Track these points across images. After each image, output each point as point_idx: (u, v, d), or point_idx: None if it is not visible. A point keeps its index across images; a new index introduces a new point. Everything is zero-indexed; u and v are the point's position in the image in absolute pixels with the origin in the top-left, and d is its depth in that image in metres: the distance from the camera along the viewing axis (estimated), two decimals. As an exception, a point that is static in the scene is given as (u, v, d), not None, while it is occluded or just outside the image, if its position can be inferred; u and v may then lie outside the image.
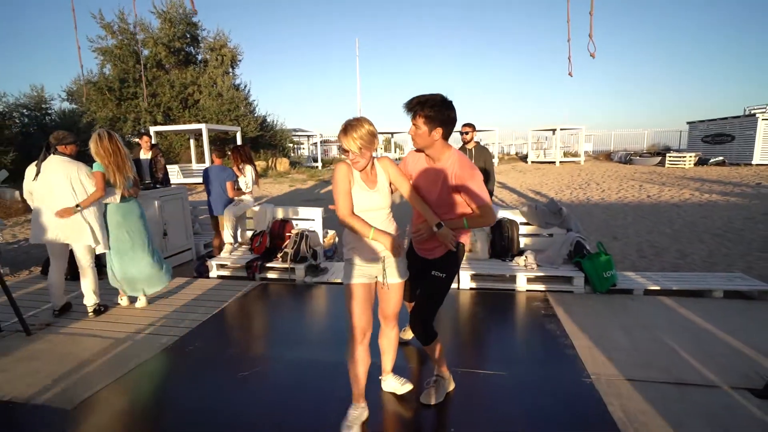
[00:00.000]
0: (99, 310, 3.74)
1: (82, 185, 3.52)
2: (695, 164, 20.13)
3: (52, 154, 3.55)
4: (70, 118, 22.34)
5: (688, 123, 25.14)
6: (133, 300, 4.00)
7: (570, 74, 2.89)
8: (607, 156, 26.58)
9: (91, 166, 3.59)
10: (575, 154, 26.95)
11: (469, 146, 4.88)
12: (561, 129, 24.74)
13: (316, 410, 2.31)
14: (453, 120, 2.05)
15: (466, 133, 4.86)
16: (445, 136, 2.08)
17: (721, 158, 20.16)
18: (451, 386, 2.43)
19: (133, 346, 3.11)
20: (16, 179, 13.85)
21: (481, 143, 5.29)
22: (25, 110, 22.54)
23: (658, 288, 3.93)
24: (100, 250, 3.68)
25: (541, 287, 4.10)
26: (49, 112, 23.28)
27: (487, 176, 4.91)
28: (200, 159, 18.06)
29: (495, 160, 24.56)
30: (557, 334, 3.14)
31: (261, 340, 3.33)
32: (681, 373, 2.54)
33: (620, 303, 3.72)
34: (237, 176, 5.37)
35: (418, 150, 2.21)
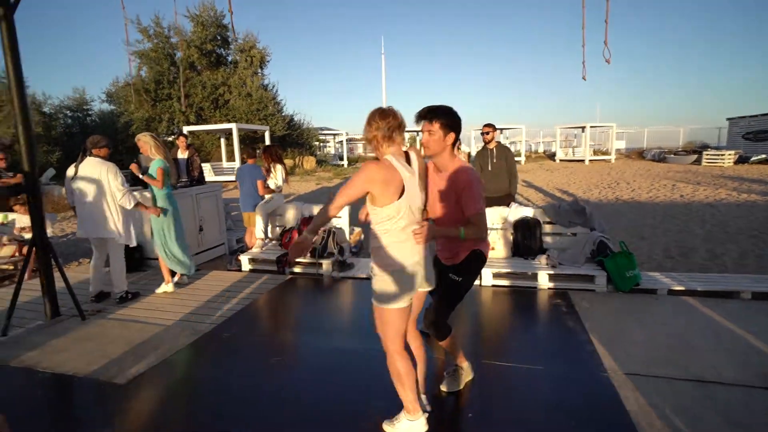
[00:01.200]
0: (125, 298, 4.09)
1: (109, 184, 3.89)
2: (735, 162, 19.30)
3: (88, 156, 3.90)
4: (109, 119, 23.51)
5: (728, 119, 24.11)
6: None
7: (584, 78, 2.94)
8: (640, 154, 25.79)
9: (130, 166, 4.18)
10: (606, 152, 26.28)
11: (490, 146, 4.96)
12: (591, 126, 24.20)
13: (342, 394, 2.48)
14: (460, 128, 2.17)
15: (487, 133, 4.94)
16: (454, 143, 2.18)
17: (763, 156, 19.24)
18: (470, 376, 2.55)
19: (175, 332, 3.38)
20: (62, 177, 14.68)
21: (504, 142, 5.36)
22: (68, 112, 23.85)
23: (682, 288, 3.92)
24: (123, 242, 4.06)
25: (563, 285, 4.15)
26: (90, 113, 24.57)
27: (509, 175, 4.98)
28: (230, 157, 18.67)
29: (521, 159, 24.28)
30: (576, 330, 3.21)
31: (290, 330, 3.55)
32: (699, 370, 2.58)
33: (642, 302, 3.74)
34: (268, 175, 5.62)
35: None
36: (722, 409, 2.21)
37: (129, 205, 3.91)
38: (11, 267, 5.41)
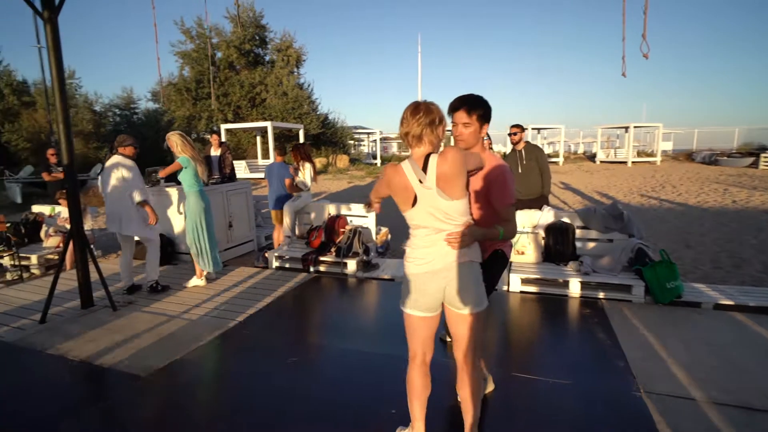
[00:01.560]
0: (155, 288, 4.23)
1: (127, 181, 4.00)
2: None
3: (114, 154, 4.06)
4: (153, 117, 24.66)
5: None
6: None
7: (623, 74, 2.73)
8: (689, 156, 24.31)
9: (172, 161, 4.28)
10: (650, 154, 24.97)
11: (519, 147, 4.77)
12: (635, 127, 23.02)
13: (357, 397, 2.42)
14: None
15: (515, 134, 4.77)
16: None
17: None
18: (491, 387, 2.44)
19: (199, 327, 3.44)
20: (108, 172, 15.39)
21: (541, 143, 5.16)
22: (117, 110, 25.18)
23: (731, 303, 3.60)
24: (145, 236, 4.21)
25: (596, 295, 3.93)
26: (137, 111, 25.85)
27: (542, 176, 4.77)
28: (266, 155, 19.09)
29: (559, 160, 23.48)
30: (609, 343, 3.01)
31: (312, 330, 3.53)
32: (747, 396, 2.34)
33: (683, 316, 3.46)
34: (296, 173, 5.66)
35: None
36: (773, 442, 1.99)
37: (137, 198, 4.00)
38: (56, 257, 5.72)
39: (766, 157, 18.73)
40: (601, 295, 3.91)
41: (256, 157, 19.83)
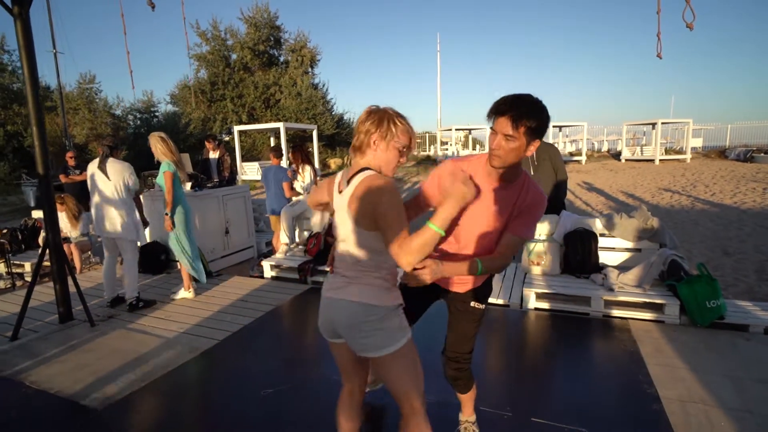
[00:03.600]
0: (135, 305, 3.87)
1: (125, 182, 3.84)
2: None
3: (108, 158, 3.83)
4: (172, 119, 24.91)
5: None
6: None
7: (659, 55, 2.28)
8: (721, 153, 23.04)
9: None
10: (679, 151, 23.80)
11: (532, 146, 4.31)
12: (663, 123, 21.95)
13: None
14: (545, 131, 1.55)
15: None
16: None
17: None
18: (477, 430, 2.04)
19: (176, 347, 3.13)
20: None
21: (563, 141, 4.67)
22: (137, 113, 25.55)
23: (785, 326, 3.08)
24: (133, 239, 3.93)
25: (623, 314, 3.45)
26: (157, 114, 26.18)
27: (558, 177, 4.31)
28: (279, 156, 18.95)
29: (582, 158, 22.62)
30: (639, 379, 2.55)
31: (301, 352, 3.17)
32: (819, 457, 1.87)
33: (729, 342, 2.96)
34: (295, 176, 5.34)
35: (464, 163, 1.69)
36: None
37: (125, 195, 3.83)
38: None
39: (807, 153, 17.51)
40: (629, 314, 3.43)
41: (269, 159, 19.73)
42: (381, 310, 1.45)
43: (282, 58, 23.50)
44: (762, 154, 19.58)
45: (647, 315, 3.38)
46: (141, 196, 4.39)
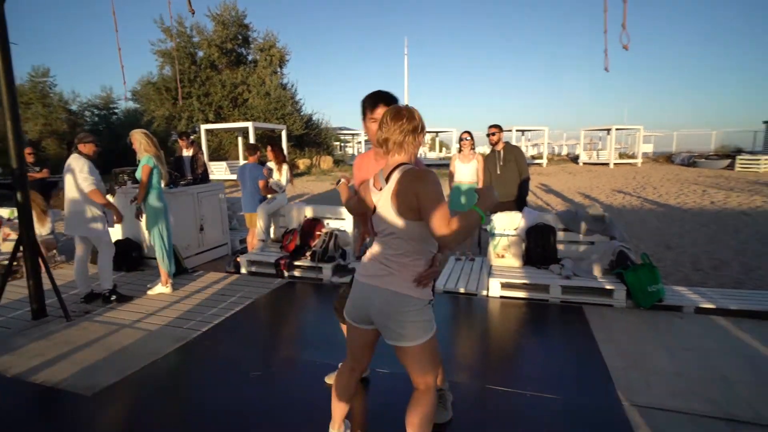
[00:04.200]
0: (108, 297, 3.92)
1: (78, 180, 3.76)
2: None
3: (73, 152, 3.84)
4: (133, 117, 24.03)
5: (765, 122, 22.90)
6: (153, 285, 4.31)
7: (606, 69, 2.62)
8: (668, 158, 24.74)
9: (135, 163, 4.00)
10: (632, 156, 25.34)
11: (498, 147, 4.67)
12: (617, 129, 23.31)
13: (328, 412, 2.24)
14: None
15: (493, 134, 4.66)
16: None
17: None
18: (451, 398, 2.28)
19: (157, 339, 3.21)
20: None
21: (525, 144, 5.07)
22: (95, 110, 24.47)
23: (712, 306, 3.52)
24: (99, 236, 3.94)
25: (577, 299, 3.82)
26: (116, 111, 25.17)
27: (521, 177, 4.67)
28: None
29: (543, 161, 23.65)
30: (590, 352, 2.89)
31: (283, 340, 3.33)
32: (732, 407, 2.23)
33: (666, 321, 3.37)
34: (271, 174, 5.44)
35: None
36: (759, 459, 1.87)
37: (87, 189, 3.73)
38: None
39: (741, 159, 19.14)
40: (583, 299, 3.80)
41: (237, 158, 19.44)
42: (419, 302, 1.60)
43: (250, 57, 23.21)
44: (703, 160, 21.21)
45: (599, 299, 3.76)
46: (109, 194, 4.35)
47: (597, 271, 3.98)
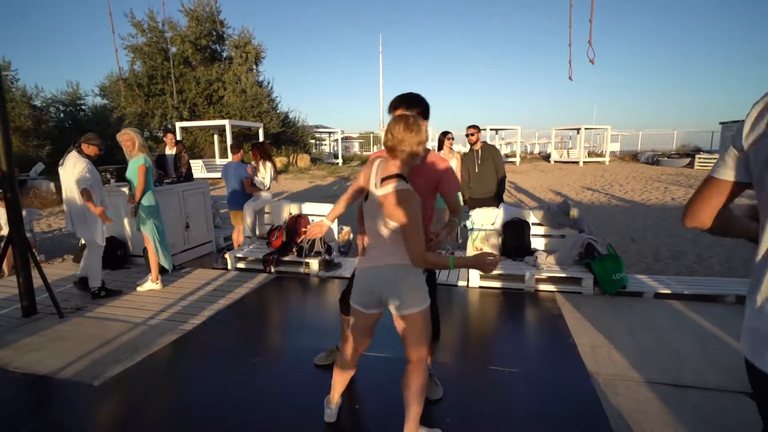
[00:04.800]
0: (96, 294, 4.01)
1: (75, 177, 3.79)
2: None
3: (73, 150, 3.87)
4: (102, 113, 23.27)
5: (721, 123, 24.27)
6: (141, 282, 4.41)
7: (570, 78, 2.91)
8: (634, 157, 25.88)
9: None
10: (600, 155, 26.36)
11: (476, 147, 4.94)
12: (586, 128, 24.22)
13: (321, 395, 2.43)
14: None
15: (471, 134, 4.93)
16: None
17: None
18: (439, 395, 2.48)
19: (154, 331, 3.31)
20: (51, 171, 14.52)
21: (499, 143, 5.36)
22: (60, 106, 23.56)
23: (668, 291, 3.90)
24: (91, 239, 3.99)
25: (549, 288, 4.13)
26: (83, 107, 24.31)
27: (498, 175, 4.95)
28: (224, 154, 18.53)
29: (516, 160, 24.32)
30: (561, 333, 3.19)
31: (274, 330, 3.49)
32: (680, 375, 2.56)
33: (628, 305, 3.72)
34: (255, 172, 5.55)
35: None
36: (702, 414, 2.19)
37: (80, 187, 3.75)
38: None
39: (700, 158, 20.29)
40: (554, 287, 4.12)
41: (213, 157, 19.19)
42: (416, 270, 1.84)
43: (225, 54, 22.88)
44: (665, 158, 22.31)
45: (569, 287, 4.08)
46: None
47: (567, 261, 4.30)
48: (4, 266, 4.83)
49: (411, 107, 2.06)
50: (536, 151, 32.46)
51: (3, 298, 3.98)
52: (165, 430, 2.19)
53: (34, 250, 5.61)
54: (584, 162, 23.69)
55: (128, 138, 4.00)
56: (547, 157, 26.73)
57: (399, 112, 2.04)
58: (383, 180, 1.83)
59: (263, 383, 2.62)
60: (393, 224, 1.80)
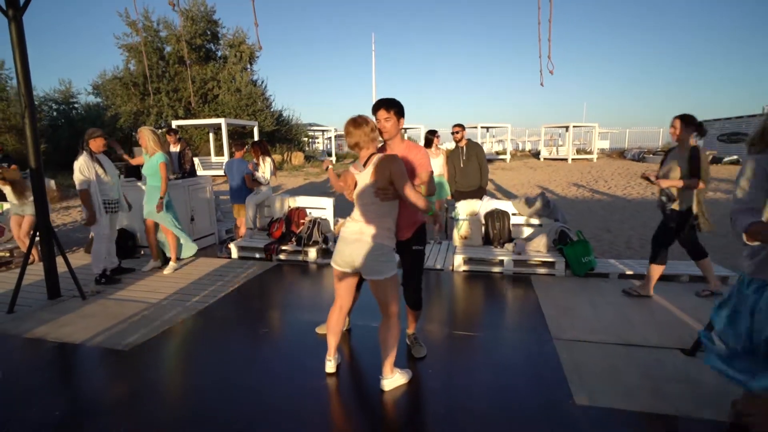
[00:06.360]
0: (98, 280, 4.37)
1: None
2: (709, 163, 20.01)
3: (82, 150, 4.24)
4: (95, 112, 23.43)
5: (704, 121, 24.90)
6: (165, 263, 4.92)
7: (541, 84, 3.32)
8: (621, 154, 26.52)
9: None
10: (589, 152, 26.96)
11: (461, 144, 5.37)
12: (574, 126, 24.80)
13: (317, 360, 2.84)
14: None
15: (456, 132, 5.36)
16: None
17: (735, 157, 20.03)
18: (423, 353, 2.89)
19: (169, 310, 3.70)
20: (47, 170, 14.74)
21: (489, 140, 5.78)
22: (53, 104, 23.66)
23: (631, 273, 4.36)
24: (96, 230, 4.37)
25: (526, 270, 4.57)
26: (76, 105, 24.41)
27: (481, 170, 5.38)
28: (219, 152, 18.80)
29: (506, 157, 24.83)
30: (532, 307, 3.63)
31: (279, 308, 3.89)
32: (628, 336, 3.01)
33: (594, 284, 4.17)
34: (256, 168, 5.93)
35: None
36: (639, 365, 2.63)
37: (77, 189, 4.15)
38: (7, 254, 5.64)
39: (684, 154, 20.92)
40: (531, 271, 4.56)
41: (208, 154, 19.45)
42: (387, 248, 2.34)
43: (220, 53, 23.10)
44: (651, 155, 22.96)
45: (543, 270, 4.53)
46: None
47: (542, 247, 4.75)
48: (33, 253, 5.20)
49: (389, 108, 2.50)
50: (527, 148, 33.06)
51: (29, 283, 4.32)
52: (186, 386, 2.59)
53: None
54: (573, 159, 24.25)
55: (144, 137, 4.38)
56: (537, 155, 27.28)
57: (381, 112, 2.49)
58: (364, 164, 2.32)
59: (270, 348, 3.03)
60: (378, 205, 2.28)
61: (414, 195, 2.24)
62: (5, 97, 20.16)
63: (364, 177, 2.32)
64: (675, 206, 3.63)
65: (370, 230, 2.30)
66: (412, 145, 2.63)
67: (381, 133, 2.52)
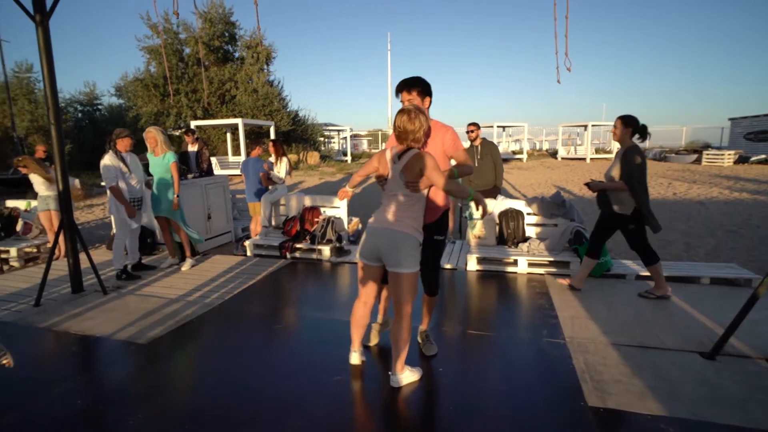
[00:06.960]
0: (119, 276, 4.49)
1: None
2: (734, 162, 19.47)
3: (109, 149, 4.38)
4: (117, 113, 24.08)
5: (730, 119, 24.22)
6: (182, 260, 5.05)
7: (558, 81, 3.28)
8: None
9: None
10: (609, 151, 26.46)
11: (476, 143, 5.35)
12: (593, 125, 24.37)
13: (333, 355, 2.87)
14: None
15: (471, 131, 5.35)
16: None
17: (763, 156, 19.38)
18: (433, 351, 2.88)
19: (189, 305, 3.79)
20: (71, 169, 15.16)
21: (506, 140, 5.76)
22: (78, 105, 24.41)
23: (648, 274, 4.26)
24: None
25: (540, 271, 4.53)
26: (100, 107, 25.14)
27: (495, 169, 5.35)
28: (236, 152, 19.09)
29: (523, 156, 24.56)
30: (546, 307, 3.59)
31: (293, 304, 3.95)
32: (644, 338, 2.96)
33: (610, 285, 4.10)
34: (271, 167, 6.01)
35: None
36: (655, 367, 2.59)
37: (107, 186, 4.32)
38: (35, 250, 5.85)
39: (708, 154, 20.35)
40: (545, 270, 4.51)
41: (226, 154, 19.77)
42: (415, 241, 2.32)
43: (237, 55, 23.45)
44: (673, 155, 22.39)
45: (558, 270, 4.48)
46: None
47: (557, 247, 4.69)
48: (58, 249, 5.37)
49: (411, 88, 2.49)
50: (545, 147, 32.62)
51: (54, 278, 4.48)
52: (202, 379, 2.65)
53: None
54: (591, 159, 23.84)
55: (151, 136, 4.49)
56: (554, 154, 26.90)
57: (403, 94, 2.50)
58: (400, 156, 2.32)
59: (283, 343, 3.07)
60: (408, 196, 2.30)
61: (454, 187, 2.26)
62: (34, 99, 20.87)
63: (397, 169, 2.33)
64: (617, 209, 3.63)
65: (398, 221, 2.31)
66: (439, 125, 2.61)
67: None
